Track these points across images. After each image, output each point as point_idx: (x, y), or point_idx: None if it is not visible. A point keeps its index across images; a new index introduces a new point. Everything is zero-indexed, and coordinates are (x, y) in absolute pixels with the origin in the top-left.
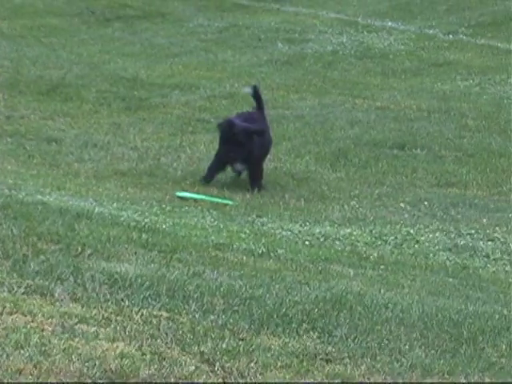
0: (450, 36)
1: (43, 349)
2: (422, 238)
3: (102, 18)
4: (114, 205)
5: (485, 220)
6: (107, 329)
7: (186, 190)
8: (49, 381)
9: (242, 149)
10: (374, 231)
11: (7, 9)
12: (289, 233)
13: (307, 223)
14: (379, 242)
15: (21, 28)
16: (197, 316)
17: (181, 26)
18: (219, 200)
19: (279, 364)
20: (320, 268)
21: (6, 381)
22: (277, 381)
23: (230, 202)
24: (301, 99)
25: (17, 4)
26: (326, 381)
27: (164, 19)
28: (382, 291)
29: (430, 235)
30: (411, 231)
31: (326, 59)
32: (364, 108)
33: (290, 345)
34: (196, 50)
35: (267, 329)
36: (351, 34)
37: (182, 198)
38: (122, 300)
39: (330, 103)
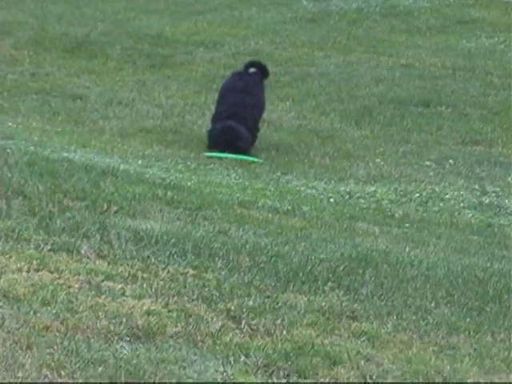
0: None
1: (70, 306)
2: (447, 196)
3: None
4: (139, 162)
5: (510, 178)
6: (133, 286)
7: (213, 150)
8: (76, 338)
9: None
10: (398, 189)
11: None
12: (314, 190)
13: (332, 181)
14: (404, 200)
15: None
16: (223, 273)
17: None
18: (246, 157)
19: (305, 321)
20: (345, 226)
21: (33, 337)
22: (303, 338)
23: (257, 159)
24: (325, 57)
25: None
26: (352, 338)
27: None
28: (408, 249)
29: (455, 193)
30: (436, 189)
31: (350, 16)
32: (389, 65)
33: (315, 302)
34: (220, 7)
35: (293, 286)
36: None
37: (210, 157)
38: (148, 257)
39: (355, 61)
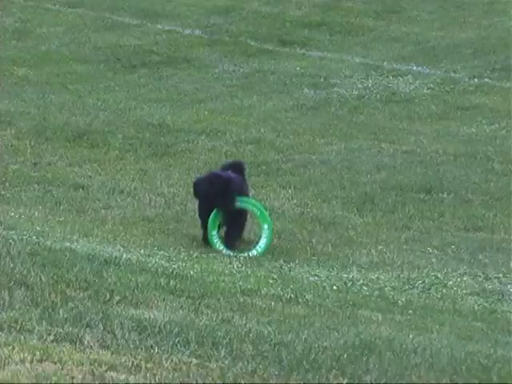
0: (476, 80)
1: None
2: (450, 283)
3: (128, 65)
4: (142, 251)
5: None
6: (137, 376)
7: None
8: None
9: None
10: (401, 276)
11: (33, 56)
12: (316, 278)
13: (335, 268)
14: (407, 287)
15: (47, 75)
16: (226, 362)
17: (206, 71)
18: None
19: None
20: (348, 313)
21: None
22: None
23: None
24: (327, 144)
25: (43, 51)
26: None
27: (189, 65)
28: (411, 336)
29: (458, 279)
30: (439, 275)
31: (351, 104)
32: (390, 152)
33: None
34: (222, 95)
35: (297, 375)
36: (376, 79)
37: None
38: (152, 347)
39: (357, 148)
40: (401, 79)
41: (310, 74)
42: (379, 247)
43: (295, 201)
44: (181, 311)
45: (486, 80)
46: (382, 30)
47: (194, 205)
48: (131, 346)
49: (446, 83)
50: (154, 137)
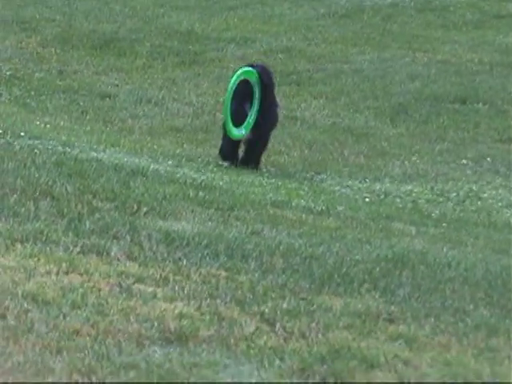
0: None
1: (100, 309)
2: (485, 195)
3: None
4: (170, 162)
5: None
6: (165, 288)
7: None
8: (106, 342)
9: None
10: (435, 188)
11: None
12: (348, 190)
13: (367, 180)
14: (441, 199)
15: None
16: (256, 275)
17: None
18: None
19: (341, 324)
20: (381, 226)
21: (63, 342)
22: (339, 341)
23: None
24: (359, 53)
25: None
26: (389, 341)
27: None
28: (445, 249)
29: (493, 192)
30: (474, 188)
31: (385, 12)
32: (424, 62)
33: (351, 305)
34: (252, 2)
35: (328, 288)
36: None
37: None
38: (180, 259)
39: (390, 57)
40: None
41: None
42: (413, 158)
43: (327, 111)
44: (210, 223)
45: None
46: None
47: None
48: (159, 258)
49: None
50: (182, 45)
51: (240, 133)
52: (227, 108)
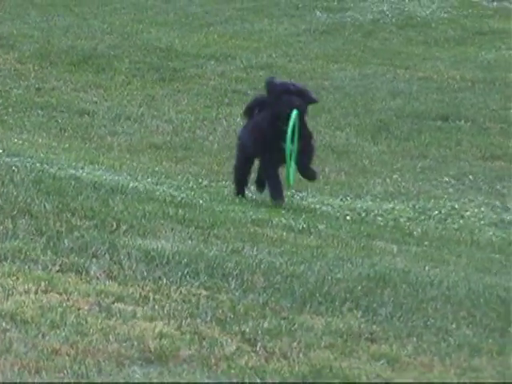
0: (495, 3)
1: (80, 328)
2: (467, 213)
3: None
4: (149, 179)
5: None
6: (145, 308)
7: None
8: (86, 362)
9: None
10: (417, 206)
11: None
12: (329, 208)
13: (348, 198)
14: (423, 217)
15: None
16: (237, 294)
17: None
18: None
19: (323, 344)
20: (362, 244)
21: (41, 361)
22: (320, 361)
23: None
24: (340, 69)
25: None
26: (371, 360)
27: None
28: (427, 268)
29: (476, 210)
30: (456, 206)
31: (366, 28)
32: (406, 78)
33: (333, 324)
34: (232, 18)
35: (310, 307)
36: (392, 2)
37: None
38: (160, 278)
39: (371, 73)
40: (417, 2)
41: None
42: (394, 176)
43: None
44: (190, 241)
45: (506, 4)
46: None
47: (202, 132)
48: (139, 276)
49: (464, 7)
50: (162, 61)
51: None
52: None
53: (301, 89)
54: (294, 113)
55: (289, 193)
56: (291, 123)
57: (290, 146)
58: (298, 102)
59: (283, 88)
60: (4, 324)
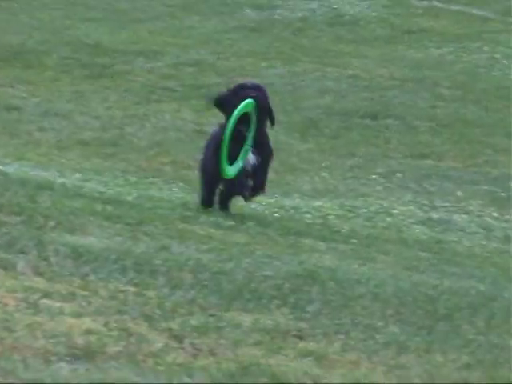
0: (424, 2)
1: (6, 324)
2: (395, 211)
3: None
4: (77, 175)
5: (459, 192)
6: (72, 304)
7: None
8: (12, 358)
9: None
10: (345, 204)
11: None
12: (258, 205)
13: (276, 195)
14: (351, 215)
15: None
16: (164, 291)
17: None
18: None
19: (250, 341)
20: (290, 241)
21: None
22: (248, 358)
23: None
24: (269, 67)
25: None
26: (298, 357)
27: None
28: (355, 266)
29: (404, 208)
30: (384, 204)
31: (295, 26)
32: (335, 76)
33: (261, 321)
34: (161, 15)
35: (237, 304)
36: (321, 0)
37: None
38: (87, 274)
39: (300, 71)
40: (346, 0)
41: None
42: (323, 174)
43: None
44: (118, 238)
45: (435, 3)
46: None
47: (130, 128)
48: (66, 273)
49: (393, 5)
50: (90, 57)
51: (236, 168)
52: (224, 148)
53: (259, 86)
54: (246, 101)
55: (217, 190)
56: (239, 108)
57: (230, 130)
58: (254, 94)
59: (240, 84)
60: None
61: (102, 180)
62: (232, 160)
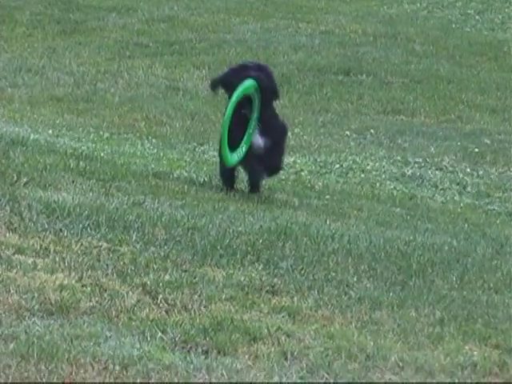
0: None
1: None
2: (368, 167)
3: None
4: (50, 131)
5: (433, 148)
6: (46, 259)
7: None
8: None
9: None
10: (318, 160)
11: None
12: None
13: None
14: (324, 171)
15: None
16: (138, 247)
17: None
18: None
19: (224, 296)
20: (264, 197)
21: None
22: (221, 313)
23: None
24: (242, 23)
25: None
26: (272, 313)
27: None
28: (328, 222)
29: (377, 164)
30: (357, 160)
31: None
32: (308, 32)
33: (234, 276)
34: None
35: (211, 260)
36: None
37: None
38: (61, 230)
39: (273, 27)
40: None
41: None
42: (296, 130)
43: (209, 81)
44: (91, 194)
45: None
46: None
47: (103, 84)
48: (39, 228)
49: None
50: (63, 13)
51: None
52: (224, 133)
53: (260, 65)
54: (245, 83)
55: (190, 146)
56: (237, 91)
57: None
58: (255, 73)
59: (241, 64)
60: None
61: (75, 136)
62: (237, 146)
